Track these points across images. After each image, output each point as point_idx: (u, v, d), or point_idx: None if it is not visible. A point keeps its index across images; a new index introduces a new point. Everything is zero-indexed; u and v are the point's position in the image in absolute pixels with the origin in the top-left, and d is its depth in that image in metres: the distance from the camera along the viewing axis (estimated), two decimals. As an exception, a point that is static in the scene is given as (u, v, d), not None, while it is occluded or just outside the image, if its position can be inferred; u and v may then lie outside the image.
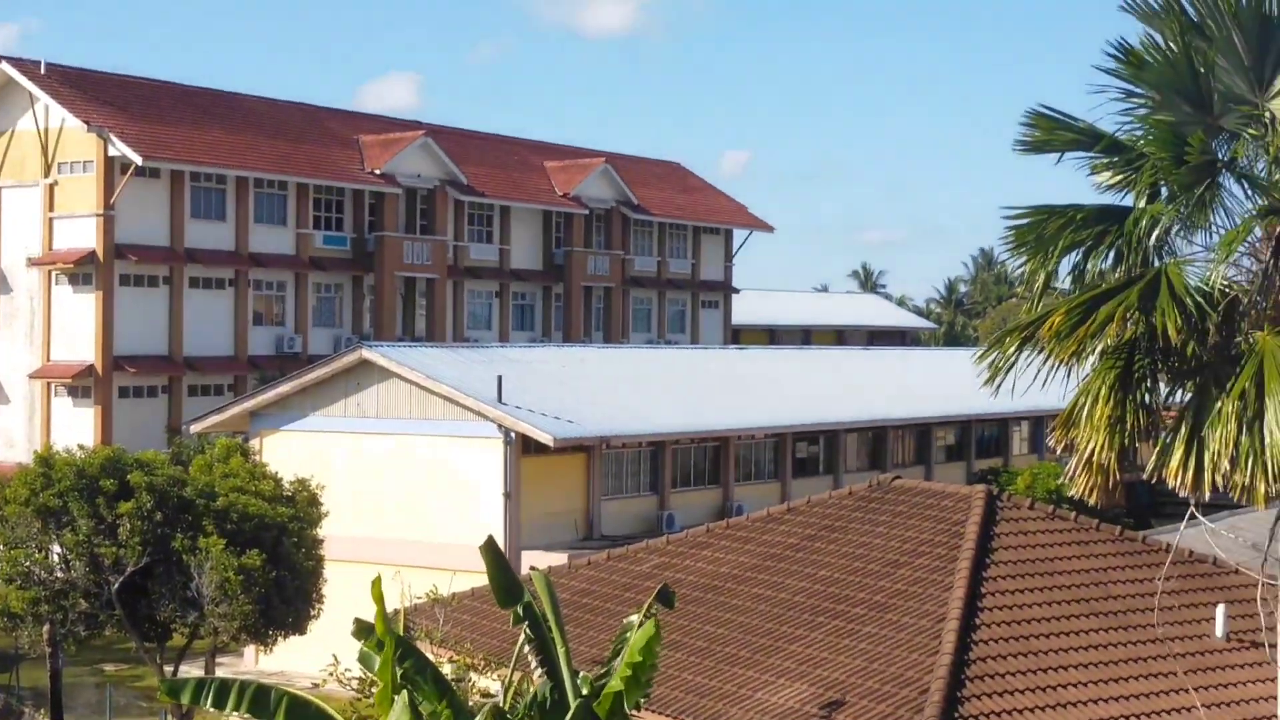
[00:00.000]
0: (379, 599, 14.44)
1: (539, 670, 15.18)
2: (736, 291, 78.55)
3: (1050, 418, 14.58)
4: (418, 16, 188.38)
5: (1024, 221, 14.42)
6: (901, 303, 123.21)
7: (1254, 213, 13.78)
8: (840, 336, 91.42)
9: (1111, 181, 14.30)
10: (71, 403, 51.33)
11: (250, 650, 37.47)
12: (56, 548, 30.61)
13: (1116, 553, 21.35)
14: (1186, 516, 15.13)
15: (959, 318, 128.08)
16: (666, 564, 23.54)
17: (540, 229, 67.62)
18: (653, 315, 73.41)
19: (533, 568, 18.32)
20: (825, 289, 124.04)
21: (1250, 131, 13.75)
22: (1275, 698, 14.77)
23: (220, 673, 31.36)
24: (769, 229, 79.68)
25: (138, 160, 50.26)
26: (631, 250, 71.68)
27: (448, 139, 64.04)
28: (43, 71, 52.47)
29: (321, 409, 40.17)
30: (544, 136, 74.95)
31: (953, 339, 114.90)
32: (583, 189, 68.14)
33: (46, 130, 51.84)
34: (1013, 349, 14.22)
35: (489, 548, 15.86)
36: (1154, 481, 13.62)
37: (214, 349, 53.81)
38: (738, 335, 79.47)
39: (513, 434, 37.16)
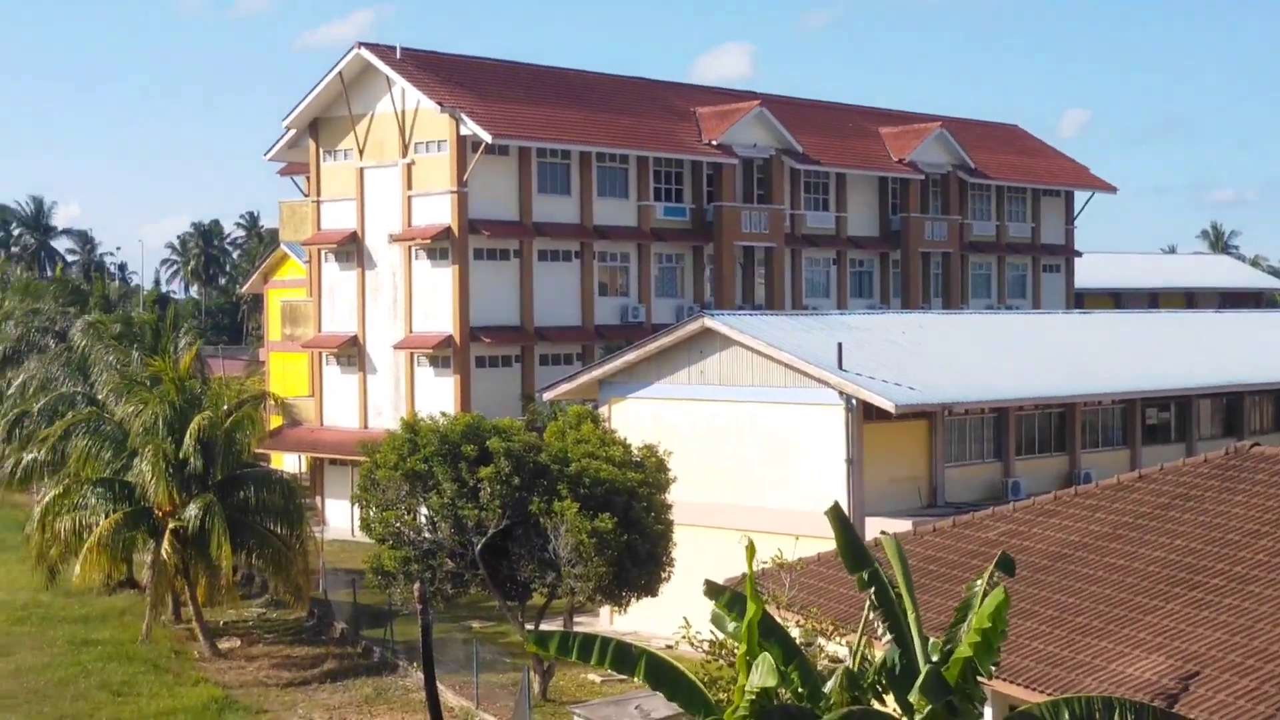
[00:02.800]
0: (751, 561, 15.00)
1: (886, 636, 15.47)
2: (1078, 255, 76.68)
3: None
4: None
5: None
6: (1256, 263, 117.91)
7: None
8: (1190, 299, 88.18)
9: None
10: (433, 372, 53.99)
11: (605, 611, 38.82)
12: (424, 510, 32.42)
13: None
14: None
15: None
16: (1014, 531, 23.50)
17: (876, 196, 67.45)
18: (992, 280, 72.38)
19: (883, 532, 18.59)
20: (1173, 250, 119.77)
21: None
22: None
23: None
24: (1111, 190, 77.48)
25: (488, 139, 52.33)
26: (969, 215, 70.80)
27: (782, 108, 64.44)
28: (398, 56, 55.10)
29: (666, 377, 41.16)
30: (877, 103, 74.63)
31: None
32: (918, 154, 67.60)
33: (403, 112, 54.48)
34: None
35: (835, 513, 16.21)
36: None
37: (562, 319, 55.72)
38: (1081, 300, 77.57)
39: (854, 400, 37.35)
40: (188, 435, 37.18)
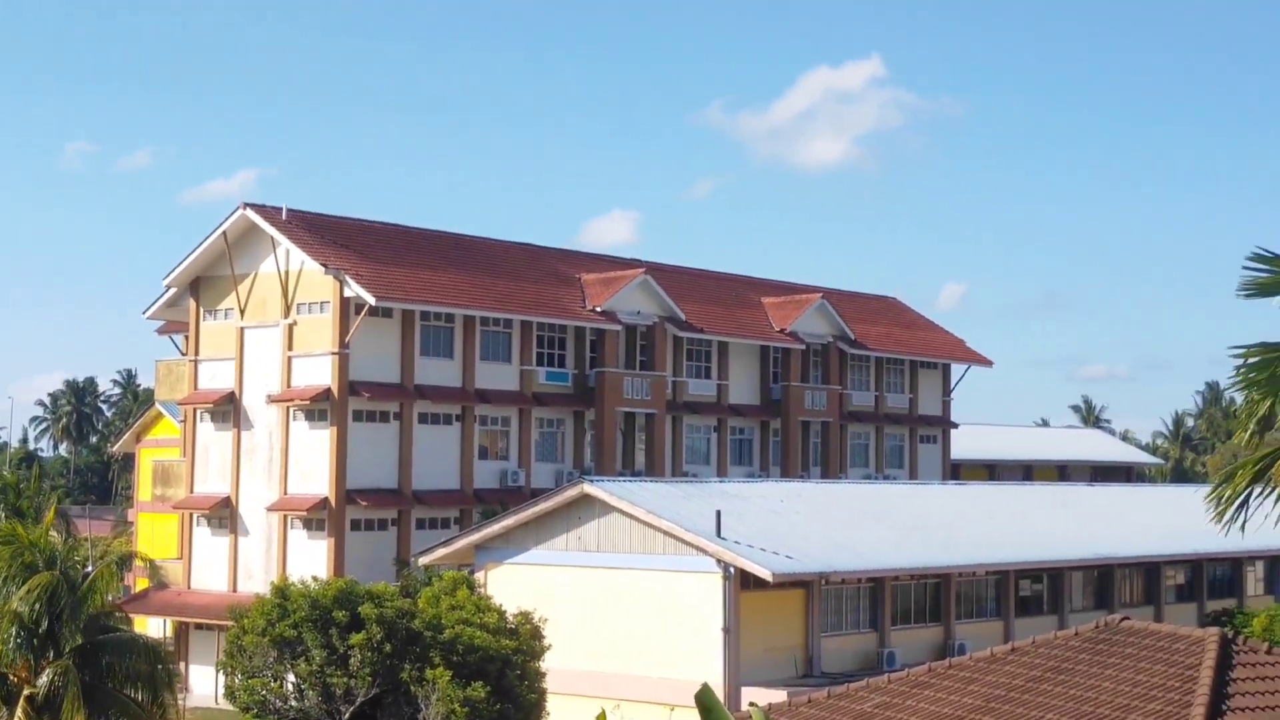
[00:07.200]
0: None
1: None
2: (955, 426, 77.78)
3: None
4: (637, 156, 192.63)
5: (1255, 360, 14.26)
6: (1126, 438, 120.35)
7: None
8: (1062, 472, 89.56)
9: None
10: (306, 535, 53.03)
11: (473, 782, 37.88)
12: (291, 677, 31.60)
13: (1361, 700, 20.53)
14: None
15: (1186, 454, 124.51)
16: (888, 704, 23.32)
17: (758, 364, 68.08)
18: (870, 450, 73.07)
19: (751, 704, 18.37)
20: (1046, 424, 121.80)
21: None
22: None
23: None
24: (987, 363, 79.00)
25: (371, 301, 52.18)
26: (849, 385, 71.64)
27: (666, 276, 65.15)
28: (284, 217, 55.00)
29: (544, 542, 40.83)
30: (760, 273, 75.69)
31: (1180, 475, 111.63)
32: (800, 325, 68.51)
33: (287, 273, 54.24)
34: (1244, 484, 14.03)
35: (703, 698, 15.89)
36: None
37: (441, 482, 55.17)
38: (957, 470, 78.51)
39: (731, 569, 37.27)
40: (26, 591, 36.01)
